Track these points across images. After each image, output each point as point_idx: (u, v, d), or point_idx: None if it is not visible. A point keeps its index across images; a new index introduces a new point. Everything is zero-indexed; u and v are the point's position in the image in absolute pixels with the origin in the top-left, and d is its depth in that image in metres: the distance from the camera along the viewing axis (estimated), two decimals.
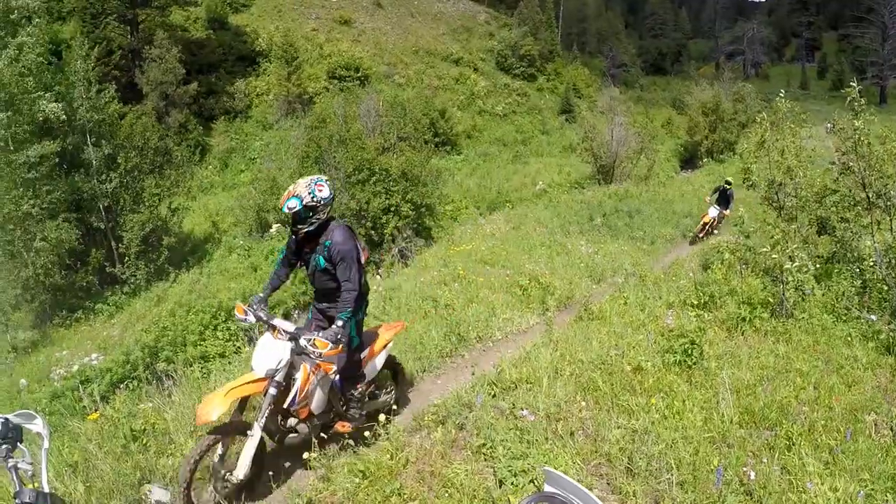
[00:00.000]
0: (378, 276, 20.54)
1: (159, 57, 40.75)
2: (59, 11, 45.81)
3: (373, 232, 23.15)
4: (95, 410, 8.66)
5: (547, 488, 3.14)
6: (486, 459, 7.22)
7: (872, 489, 6.21)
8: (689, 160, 53.44)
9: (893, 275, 10.51)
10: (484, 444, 7.38)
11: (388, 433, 7.55)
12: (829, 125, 16.52)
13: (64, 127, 22.75)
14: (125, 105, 31.60)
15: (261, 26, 55.16)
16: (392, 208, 23.49)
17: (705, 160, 50.34)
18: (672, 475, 6.53)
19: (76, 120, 23.09)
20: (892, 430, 7.46)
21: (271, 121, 45.34)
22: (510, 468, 6.83)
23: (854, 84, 13.33)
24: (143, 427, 7.80)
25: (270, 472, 6.83)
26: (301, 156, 26.62)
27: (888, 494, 6.13)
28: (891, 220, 13.72)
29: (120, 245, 22.61)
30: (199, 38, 50.20)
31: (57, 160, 22.75)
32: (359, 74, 51.54)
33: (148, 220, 23.07)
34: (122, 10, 43.68)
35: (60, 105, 22.41)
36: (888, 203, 13.61)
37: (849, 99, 13.38)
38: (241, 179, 38.60)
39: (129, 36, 43.90)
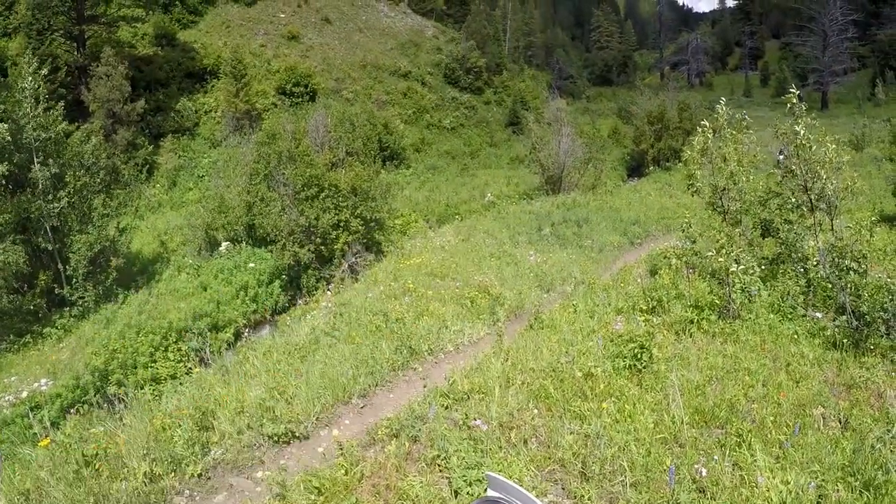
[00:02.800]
0: (328, 293, 20.60)
1: (106, 74, 40.23)
2: (5, 28, 45.25)
3: (323, 248, 23.18)
4: (46, 437, 8.64)
5: (490, 493, 3.26)
6: (440, 470, 7.37)
7: (823, 480, 6.41)
8: (635, 168, 53.99)
9: (836, 273, 10.82)
10: (438, 456, 7.53)
11: (342, 449, 7.67)
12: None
13: (10, 147, 22.37)
14: (72, 123, 31.24)
15: (209, 42, 54.56)
16: (342, 223, 23.52)
17: (651, 168, 50.97)
18: (626, 477, 6.74)
19: (22, 139, 22.70)
20: (839, 422, 7.73)
21: (220, 138, 44.89)
22: (465, 478, 6.98)
23: (794, 90, 13.77)
24: (95, 452, 7.81)
25: None
26: (250, 173, 26.56)
27: (838, 484, 6.32)
28: (832, 220, 14.17)
29: (67, 266, 22.26)
30: (147, 55, 49.64)
31: (3, 181, 22.38)
32: (307, 90, 51.37)
33: (96, 241, 22.71)
34: (69, 26, 42.90)
35: (6, 125, 22.06)
36: (829, 204, 14.07)
37: (789, 105, 13.81)
38: (189, 198, 38.26)
39: (75, 52, 43.21)
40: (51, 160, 23.14)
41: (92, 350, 17.54)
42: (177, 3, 56.86)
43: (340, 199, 23.91)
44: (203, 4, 59.77)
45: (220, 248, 24.72)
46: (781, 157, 16.74)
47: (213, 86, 49.80)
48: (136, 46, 50.20)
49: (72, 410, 13.87)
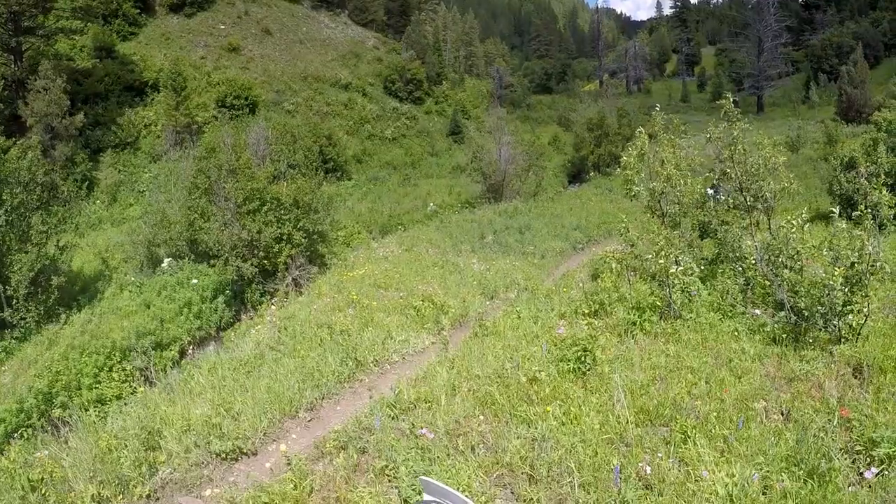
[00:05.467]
0: (272, 307, 20.49)
1: (44, 87, 39.43)
2: None
3: (266, 261, 22.98)
4: None
5: (426, 497, 3.32)
6: (389, 480, 7.43)
7: (767, 471, 6.56)
8: (576, 175, 54.56)
9: (773, 270, 11.07)
10: (386, 466, 7.59)
11: (290, 463, 7.68)
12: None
13: None
14: (8, 138, 30.60)
15: (149, 55, 53.88)
16: (284, 237, 23.32)
17: (592, 174, 51.54)
18: (573, 478, 6.82)
19: None
20: (782, 414, 7.91)
21: (160, 152, 44.33)
22: (413, 487, 7.04)
23: (728, 95, 14.10)
24: (40, 476, 7.73)
25: None
26: (190, 187, 26.30)
27: (783, 474, 6.47)
28: (769, 220, 14.52)
29: (8, 287, 21.83)
30: (86, 67, 48.64)
31: None
32: (248, 102, 50.97)
33: (36, 260, 22.30)
34: (6, 38, 42.10)
35: None
36: (766, 205, 14.41)
37: (723, 109, 14.14)
38: (130, 214, 37.69)
39: (12, 65, 42.35)
40: None
41: (35, 372, 17.19)
42: (116, 14, 56.08)
43: (283, 212, 23.73)
44: (142, 16, 59.07)
45: (163, 265, 24.38)
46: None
47: (153, 99, 49.19)
48: (74, 59, 49.33)
49: (15, 435, 13.65)
